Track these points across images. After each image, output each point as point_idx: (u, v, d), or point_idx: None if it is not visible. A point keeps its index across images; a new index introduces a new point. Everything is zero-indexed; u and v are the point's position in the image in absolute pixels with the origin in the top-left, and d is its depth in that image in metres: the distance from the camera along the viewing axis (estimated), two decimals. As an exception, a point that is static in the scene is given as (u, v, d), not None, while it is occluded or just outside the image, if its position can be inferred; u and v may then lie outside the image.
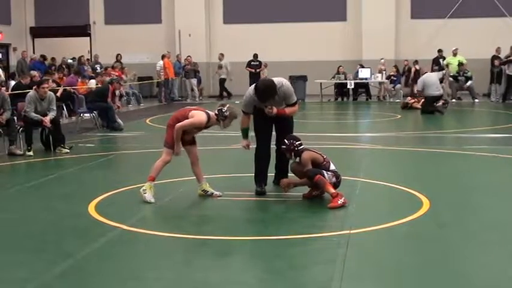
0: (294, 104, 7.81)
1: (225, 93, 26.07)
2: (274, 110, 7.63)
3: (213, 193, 7.60)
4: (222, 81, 26.12)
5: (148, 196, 7.32)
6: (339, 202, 7.01)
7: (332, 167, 7.38)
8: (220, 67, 26.04)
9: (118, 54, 26.04)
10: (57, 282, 4.93)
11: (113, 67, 24.38)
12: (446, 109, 18.55)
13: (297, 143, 7.43)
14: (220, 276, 5.02)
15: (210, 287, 4.81)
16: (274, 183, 8.14)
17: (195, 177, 7.77)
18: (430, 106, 18.28)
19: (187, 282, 4.94)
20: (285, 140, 7.50)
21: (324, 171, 7.23)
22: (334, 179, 7.28)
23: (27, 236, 6.22)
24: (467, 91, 23.43)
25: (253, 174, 7.91)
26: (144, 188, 7.41)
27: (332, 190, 7.10)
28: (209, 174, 8.08)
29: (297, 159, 7.49)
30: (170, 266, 5.32)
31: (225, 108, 7.39)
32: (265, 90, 7.47)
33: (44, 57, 25.13)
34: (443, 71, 20.39)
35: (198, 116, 7.37)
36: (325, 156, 7.43)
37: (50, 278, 4.98)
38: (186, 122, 7.33)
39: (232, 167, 9.64)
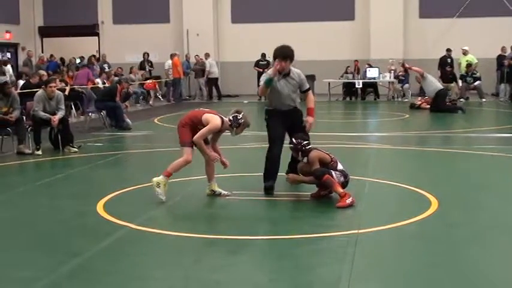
0: (307, 91, 8.07)
1: (215, 94, 25.96)
2: (310, 119, 7.96)
3: (221, 193, 7.59)
4: (215, 81, 26.01)
5: (160, 192, 7.21)
6: (347, 202, 6.99)
7: (340, 166, 7.38)
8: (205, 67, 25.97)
9: (145, 53, 26.04)
10: (65, 281, 4.94)
11: (141, 67, 24.86)
12: (461, 108, 18.72)
13: (305, 142, 7.46)
14: (229, 276, 5.02)
15: (218, 286, 4.81)
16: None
17: (203, 177, 7.77)
18: (444, 103, 18.51)
19: (196, 282, 4.94)
20: (293, 139, 7.55)
21: (332, 171, 7.23)
22: (342, 178, 7.28)
23: (36, 235, 6.24)
24: (475, 91, 23.39)
25: (263, 173, 7.89)
26: (158, 181, 7.25)
27: (340, 190, 7.09)
28: (217, 173, 8.07)
29: (304, 159, 7.50)
30: (178, 265, 5.32)
31: (240, 116, 7.35)
32: (284, 46, 7.89)
33: (62, 59, 25.33)
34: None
35: (212, 121, 7.26)
36: (332, 156, 7.43)
37: (58, 276, 4.99)
38: (203, 131, 7.23)
39: (240, 167, 9.63)
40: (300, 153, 7.50)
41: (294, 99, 7.98)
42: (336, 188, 7.11)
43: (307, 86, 8.13)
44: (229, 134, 7.60)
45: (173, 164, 7.33)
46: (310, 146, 7.47)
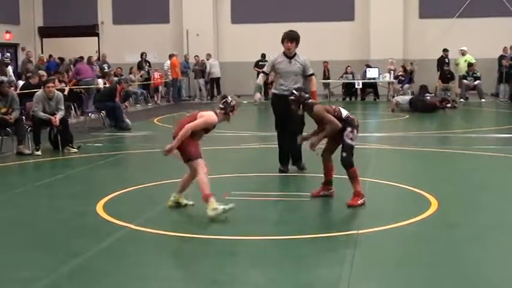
0: (310, 76, 9.08)
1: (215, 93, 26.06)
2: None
3: (186, 204, 7.08)
4: (216, 81, 26.13)
5: (222, 208, 6.50)
6: (359, 202, 6.98)
7: (344, 112, 7.26)
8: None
9: (143, 53, 26.05)
10: (65, 281, 4.94)
11: (140, 68, 25.05)
12: (455, 108, 18.94)
13: (307, 95, 7.32)
14: (228, 276, 5.02)
15: (217, 287, 4.81)
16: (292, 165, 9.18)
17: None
18: (419, 104, 18.84)
19: (195, 282, 4.94)
20: (294, 92, 7.32)
21: (348, 131, 7.05)
22: (355, 132, 7.14)
23: (36, 235, 6.24)
24: (475, 91, 23.41)
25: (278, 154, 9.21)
26: (212, 208, 6.48)
27: (358, 188, 7.05)
28: (217, 174, 8.07)
29: (300, 112, 7.37)
30: (178, 266, 5.32)
31: (230, 99, 6.85)
32: (292, 30, 9.17)
33: (61, 59, 25.30)
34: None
35: (208, 115, 6.78)
36: (334, 107, 7.33)
37: (58, 277, 4.99)
38: (199, 122, 6.71)
39: (240, 167, 9.63)
40: (301, 106, 7.24)
41: (299, 82, 8.87)
42: (356, 185, 7.05)
43: (311, 71, 9.14)
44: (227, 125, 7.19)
45: (200, 185, 6.61)
46: (311, 100, 7.32)
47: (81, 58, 22.29)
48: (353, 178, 7.08)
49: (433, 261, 5.29)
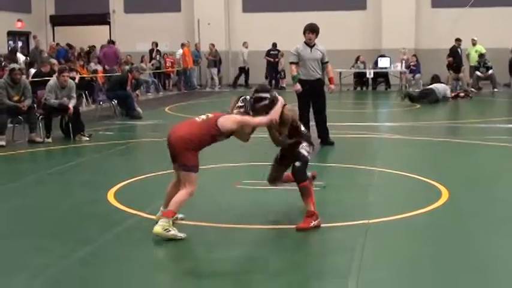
0: (327, 63, 10.77)
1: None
2: (332, 86, 11.14)
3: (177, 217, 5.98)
4: (244, 70, 26.36)
5: (175, 233, 5.57)
6: (311, 224, 5.84)
7: (302, 127, 6.31)
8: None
9: (153, 42, 26.11)
10: (76, 268, 4.97)
11: (151, 57, 25.26)
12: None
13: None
14: (239, 265, 5.04)
15: (228, 275, 4.83)
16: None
17: (215, 166, 7.73)
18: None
19: (206, 270, 4.96)
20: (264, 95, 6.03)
21: (306, 143, 6.14)
22: (312, 148, 6.23)
23: (47, 223, 6.28)
24: (488, 80, 23.21)
25: None
26: (163, 227, 5.54)
27: (312, 207, 5.94)
28: (227, 162, 8.08)
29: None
30: (189, 254, 5.33)
31: (248, 96, 6.05)
32: (313, 23, 10.77)
33: (69, 45, 25.34)
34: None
35: (241, 117, 5.84)
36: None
37: (69, 264, 5.02)
38: (249, 120, 5.87)
39: (252, 156, 9.63)
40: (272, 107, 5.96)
41: (319, 68, 10.63)
42: (309, 203, 5.97)
43: (327, 59, 10.80)
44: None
45: (176, 200, 5.69)
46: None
47: (112, 42, 22.48)
48: (304, 195, 5.99)
49: (442, 251, 5.29)
